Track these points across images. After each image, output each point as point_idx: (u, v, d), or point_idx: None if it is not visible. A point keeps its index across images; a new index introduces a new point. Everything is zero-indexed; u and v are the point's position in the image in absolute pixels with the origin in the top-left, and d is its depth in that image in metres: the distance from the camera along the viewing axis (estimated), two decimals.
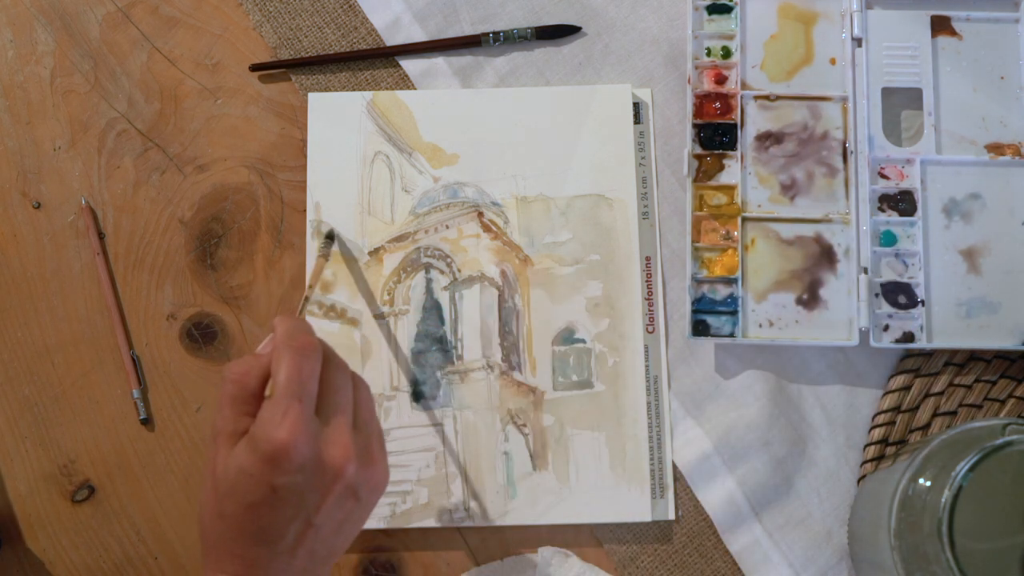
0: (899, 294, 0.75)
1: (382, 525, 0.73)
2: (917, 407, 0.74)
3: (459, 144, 0.79)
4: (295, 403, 0.54)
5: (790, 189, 0.77)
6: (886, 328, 0.74)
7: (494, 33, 0.80)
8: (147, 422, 0.77)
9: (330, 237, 0.76)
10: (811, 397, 0.75)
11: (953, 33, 0.78)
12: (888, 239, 0.75)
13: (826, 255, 0.76)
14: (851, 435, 0.75)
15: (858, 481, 0.74)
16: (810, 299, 0.75)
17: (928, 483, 0.61)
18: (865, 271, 0.75)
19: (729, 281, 0.75)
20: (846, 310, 0.75)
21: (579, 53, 0.81)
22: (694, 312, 0.75)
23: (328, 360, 0.58)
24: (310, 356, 0.55)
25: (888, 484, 0.64)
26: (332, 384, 0.57)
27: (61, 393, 0.77)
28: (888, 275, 0.75)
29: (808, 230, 0.76)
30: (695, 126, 0.77)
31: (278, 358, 0.55)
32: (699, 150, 0.77)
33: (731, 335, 0.75)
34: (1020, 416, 0.74)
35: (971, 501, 0.58)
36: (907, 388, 0.74)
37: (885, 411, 0.74)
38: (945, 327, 0.74)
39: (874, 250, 0.75)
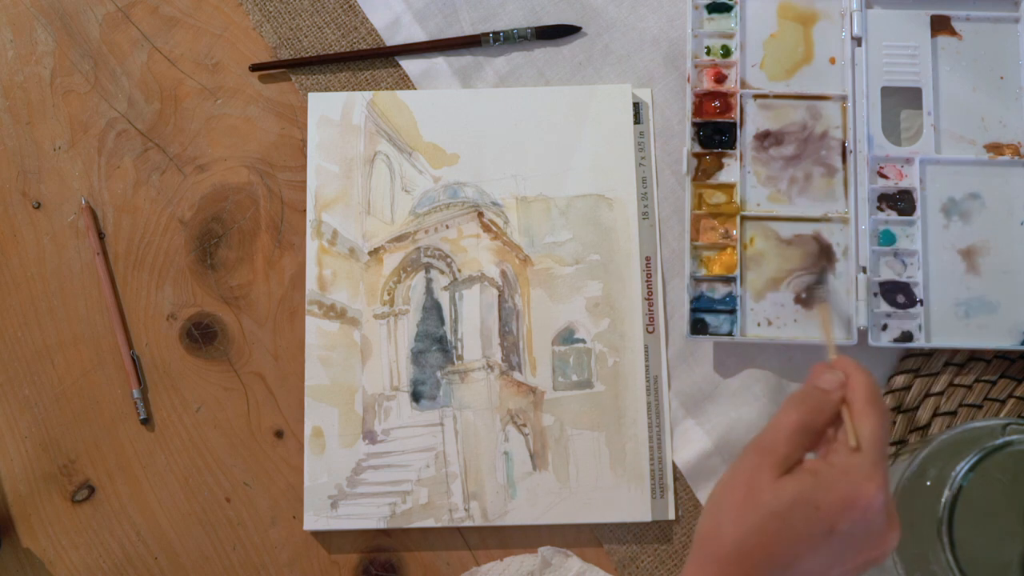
0: (898, 293, 0.75)
1: (382, 525, 0.74)
2: (917, 407, 0.74)
3: (459, 144, 0.79)
4: (882, 464, 0.54)
5: (789, 188, 0.77)
6: (884, 327, 0.74)
7: (494, 33, 0.80)
8: (147, 422, 0.77)
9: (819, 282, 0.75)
10: None
11: (953, 33, 0.78)
12: (887, 238, 0.75)
13: (825, 254, 0.76)
14: None
15: None
16: (808, 298, 0.75)
17: (928, 483, 0.61)
18: (864, 270, 0.75)
19: (728, 280, 0.75)
20: (845, 309, 0.75)
21: (579, 53, 0.81)
22: (692, 311, 0.75)
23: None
24: (888, 418, 0.56)
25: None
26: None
27: (61, 393, 0.77)
28: (887, 274, 0.75)
29: (807, 229, 0.76)
30: (694, 125, 0.77)
31: (867, 413, 0.55)
32: (698, 149, 0.77)
33: (729, 334, 0.75)
34: (1020, 416, 0.74)
35: (971, 501, 0.58)
36: (907, 388, 0.74)
37: None
38: (944, 327, 0.74)
39: (873, 249, 0.75)
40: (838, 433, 0.56)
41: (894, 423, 0.74)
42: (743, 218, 0.76)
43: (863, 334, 0.74)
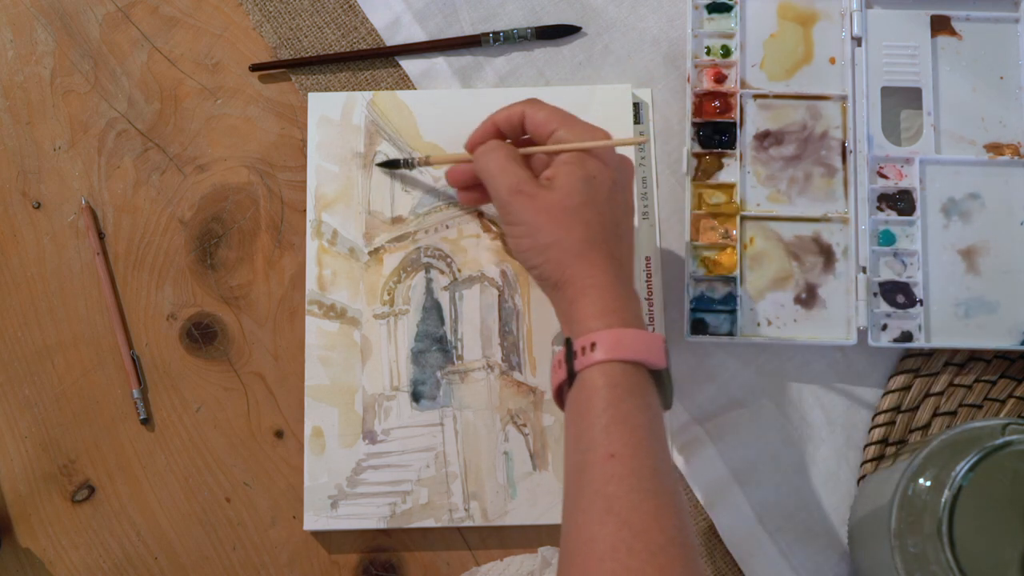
0: (897, 293, 0.75)
1: (382, 525, 0.74)
2: (917, 407, 0.74)
3: (459, 144, 0.78)
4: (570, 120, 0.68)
5: (789, 188, 0.77)
6: (884, 327, 0.74)
7: (494, 33, 0.80)
8: (147, 422, 0.77)
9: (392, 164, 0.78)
10: (811, 397, 0.75)
11: (953, 33, 0.78)
12: (887, 238, 0.75)
13: (825, 254, 0.76)
14: (851, 435, 0.75)
15: (858, 481, 0.74)
16: (808, 298, 0.75)
17: (928, 483, 0.61)
18: (864, 270, 0.75)
19: (728, 280, 0.75)
20: (844, 309, 0.75)
21: (579, 53, 0.81)
22: (692, 311, 0.75)
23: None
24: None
25: (888, 484, 0.64)
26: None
27: (61, 393, 0.77)
28: (886, 274, 0.75)
29: (807, 229, 0.76)
30: (694, 125, 0.77)
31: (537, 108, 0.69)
32: (698, 149, 0.77)
33: (729, 334, 0.75)
34: (1020, 416, 0.74)
35: (971, 501, 0.58)
36: (907, 388, 0.74)
37: (885, 411, 0.74)
38: (943, 327, 0.74)
39: (873, 249, 0.75)
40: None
41: (894, 424, 0.74)
42: (743, 218, 0.76)
43: (863, 334, 0.74)
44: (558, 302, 0.65)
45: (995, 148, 0.77)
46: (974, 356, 0.75)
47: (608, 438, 0.58)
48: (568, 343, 0.62)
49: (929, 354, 0.75)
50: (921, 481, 0.61)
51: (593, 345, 0.60)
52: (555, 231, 0.64)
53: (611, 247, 0.64)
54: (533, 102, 0.69)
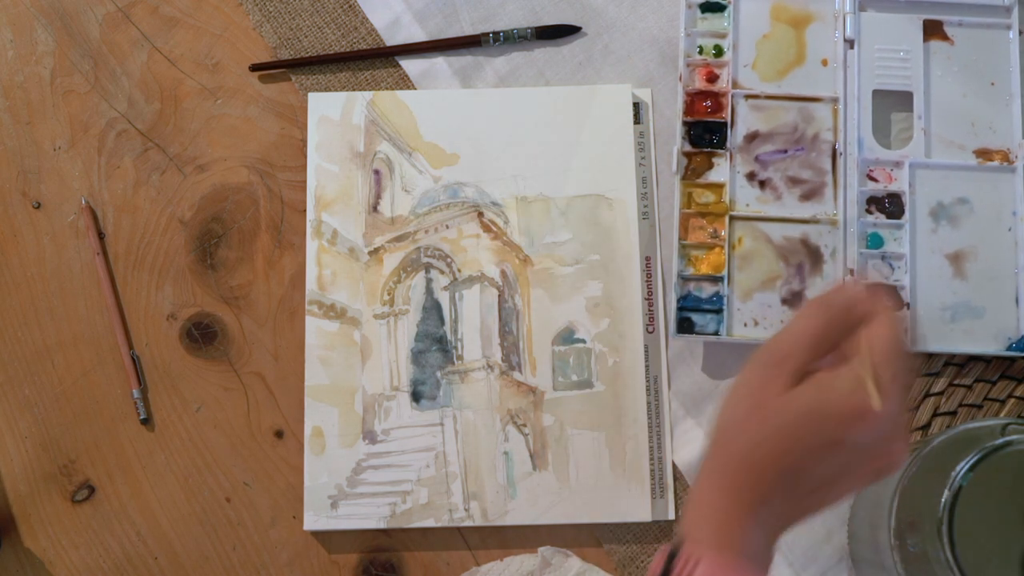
0: None
1: (382, 525, 0.74)
2: (917, 407, 0.74)
3: (459, 144, 0.79)
4: (895, 383, 0.52)
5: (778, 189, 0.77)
6: None
7: (494, 33, 0.80)
8: (147, 422, 0.77)
9: None
10: None
11: (945, 38, 0.78)
12: (875, 241, 0.76)
13: (813, 256, 0.76)
14: None
15: None
16: (795, 299, 0.75)
17: (928, 483, 0.61)
18: (851, 273, 0.75)
19: (715, 279, 0.75)
20: None
21: (579, 53, 0.81)
22: (679, 310, 0.75)
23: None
24: (901, 332, 0.54)
25: (888, 484, 0.64)
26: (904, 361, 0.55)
27: (61, 393, 0.77)
28: (874, 277, 0.75)
29: (795, 231, 0.76)
30: (685, 124, 0.77)
31: (881, 330, 0.53)
32: (688, 148, 0.77)
33: (716, 333, 0.75)
34: (1020, 416, 0.74)
35: (971, 501, 0.58)
36: (906, 388, 0.74)
37: None
38: (930, 331, 0.74)
39: (861, 252, 0.75)
40: (849, 345, 0.53)
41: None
42: (732, 218, 0.76)
43: None
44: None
45: (984, 154, 0.77)
46: (974, 356, 0.75)
47: None
48: (672, 554, 0.54)
49: (929, 354, 0.75)
50: (921, 481, 0.62)
51: (696, 565, 0.53)
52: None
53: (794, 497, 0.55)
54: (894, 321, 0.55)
